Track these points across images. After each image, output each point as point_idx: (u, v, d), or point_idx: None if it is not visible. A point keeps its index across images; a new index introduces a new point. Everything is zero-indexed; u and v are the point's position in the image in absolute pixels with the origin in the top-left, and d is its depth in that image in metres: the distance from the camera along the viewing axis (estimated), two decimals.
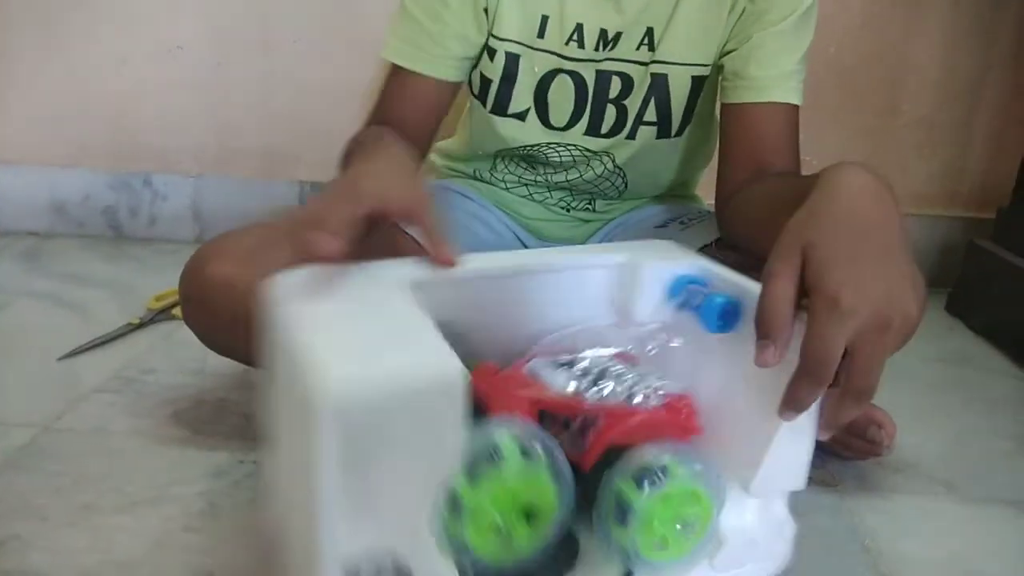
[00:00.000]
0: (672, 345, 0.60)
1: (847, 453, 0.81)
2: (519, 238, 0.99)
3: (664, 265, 0.61)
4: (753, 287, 0.54)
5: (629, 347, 0.60)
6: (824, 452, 0.83)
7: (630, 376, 0.56)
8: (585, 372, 0.56)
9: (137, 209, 1.47)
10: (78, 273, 1.28)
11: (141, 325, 1.07)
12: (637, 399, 0.55)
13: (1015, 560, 0.69)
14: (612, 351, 0.59)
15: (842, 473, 0.80)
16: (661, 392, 0.55)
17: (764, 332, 0.50)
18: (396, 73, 0.85)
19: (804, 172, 0.74)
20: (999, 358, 1.12)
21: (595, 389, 0.55)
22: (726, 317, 0.56)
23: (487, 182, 0.99)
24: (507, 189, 0.98)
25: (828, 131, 1.36)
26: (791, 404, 0.50)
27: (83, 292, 1.19)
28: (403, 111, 0.84)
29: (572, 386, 0.55)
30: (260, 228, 0.81)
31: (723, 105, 0.85)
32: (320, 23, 1.35)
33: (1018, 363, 1.10)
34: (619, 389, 0.55)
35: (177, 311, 1.09)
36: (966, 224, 1.36)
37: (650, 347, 0.60)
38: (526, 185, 0.97)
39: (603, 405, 0.54)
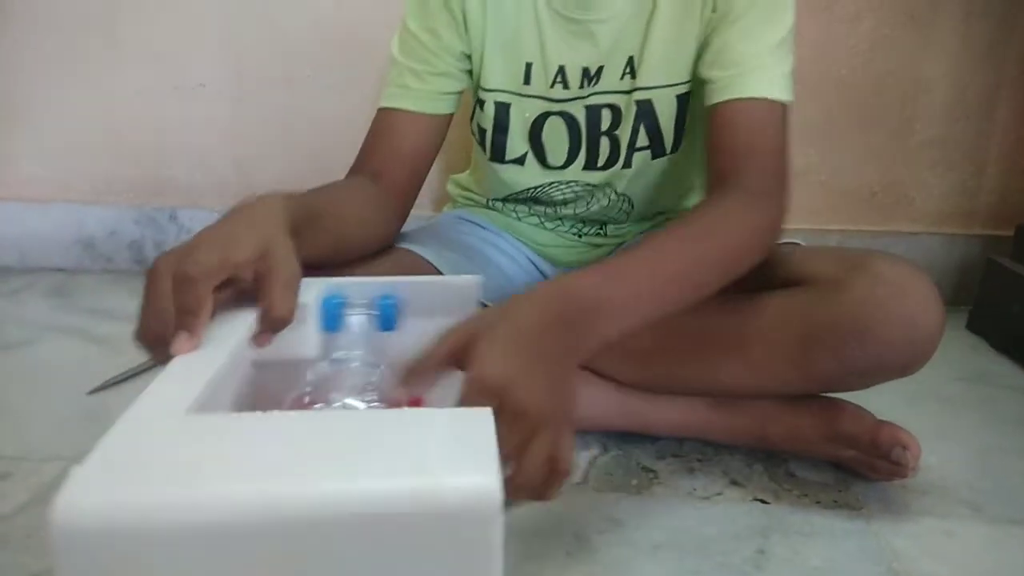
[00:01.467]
0: (381, 368, 0.57)
1: (872, 475, 0.81)
2: (533, 263, 1.00)
3: (307, 297, 0.58)
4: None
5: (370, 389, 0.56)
6: (849, 474, 0.83)
7: None
8: None
9: (163, 244, 1.50)
10: (106, 308, 1.30)
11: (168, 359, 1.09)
12: None
13: None
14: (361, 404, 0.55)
15: (867, 496, 0.80)
16: None
17: (403, 380, 0.52)
18: (380, 116, 0.86)
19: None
20: (1021, 376, 1.12)
21: None
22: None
23: (500, 212, 1.01)
24: (519, 219, 1.00)
25: (843, 152, 1.36)
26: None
27: (111, 327, 1.22)
28: (386, 150, 0.84)
29: None
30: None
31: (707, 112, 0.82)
32: (340, 59, 1.38)
33: None
34: None
35: None
36: (984, 242, 1.36)
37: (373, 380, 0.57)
38: (536, 215, 0.99)
39: None
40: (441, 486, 0.35)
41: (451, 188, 1.09)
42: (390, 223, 0.84)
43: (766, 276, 0.80)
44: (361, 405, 0.52)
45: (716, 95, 0.79)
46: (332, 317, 0.60)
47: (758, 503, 0.78)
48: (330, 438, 0.38)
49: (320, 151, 1.40)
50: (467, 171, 1.07)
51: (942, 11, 1.29)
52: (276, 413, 0.41)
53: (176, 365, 0.47)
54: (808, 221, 1.37)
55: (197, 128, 1.44)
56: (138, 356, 1.08)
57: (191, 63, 1.41)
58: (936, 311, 0.72)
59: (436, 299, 0.61)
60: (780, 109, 0.78)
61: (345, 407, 0.52)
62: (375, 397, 0.53)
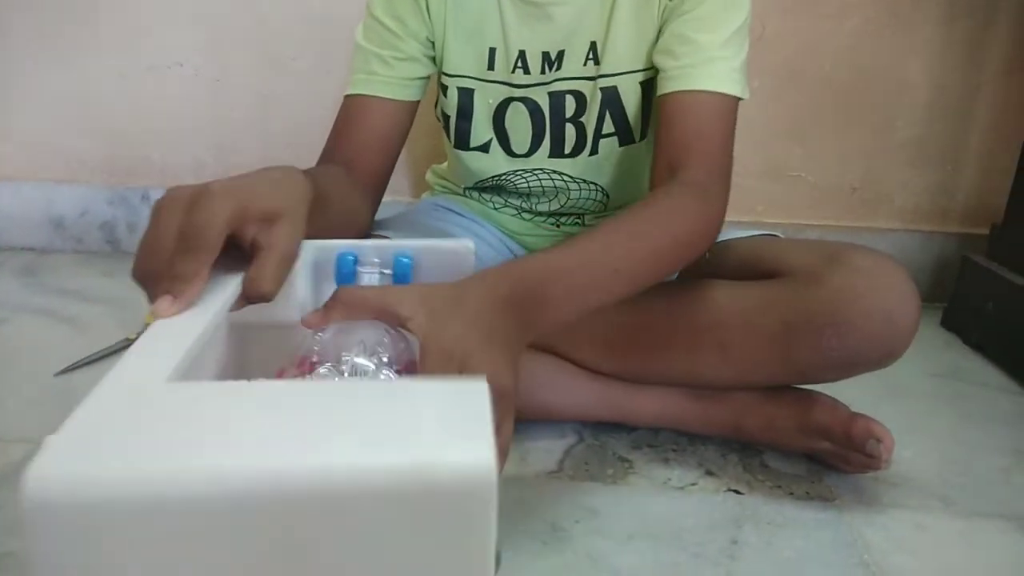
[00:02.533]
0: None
1: (845, 467, 0.82)
2: (511, 251, 1.00)
3: (315, 253, 0.57)
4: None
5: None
6: (822, 466, 0.83)
7: None
8: None
9: (135, 225, 1.47)
10: (76, 288, 1.28)
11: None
12: None
13: (1013, 574, 0.69)
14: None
15: (840, 488, 0.80)
16: None
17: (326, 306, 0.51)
18: (347, 103, 0.85)
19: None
20: (995, 373, 1.13)
21: None
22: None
23: (477, 200, 1.00)
24: (496, 209, 0.99)
25: (824, 149, 1.37)
26: None
27: (80, 307, 1.19)
28: (355, 138, 0.83)
29: None
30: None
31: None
32: (319, 40, 1.36)
33: (1014, 378, 1.10)
34: None
35: None
36: (960, 240, 1.37)
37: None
38: (511, 207, 0.98)
39: None
40: (436, 461, 0.34)
41: (430, 177, 1.09)
42: (366, 212, 0.83)
43: (745, 268, 0.80)
44: (370, 365, 0.51)
45: (667, 84, 0.78)
46: (346, 274, 0.58)
47: (732, 493, 0.78)
48: (319, 409, 0.37)
49: (298, 134, 1.39)
50: (445, 163, 1.06)
51: (925, 11, 1.29)
52: (261, 382, 0.39)
53: (155, 330, 0.44)
54: (788, 216, 1.38)
55: (173, 109, 1.42)
56: (108, 338, 1.06)
57: (168, 43, 1.39)
58: (913, 304, 0.72)
59: (432, 263, 0.59)
60: (730, 103, 0.77)
61: (355, 367, 0.50)
62: (385, 356, 0.52)
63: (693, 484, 0.80)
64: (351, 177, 0.80)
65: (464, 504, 0.34)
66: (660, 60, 0.80)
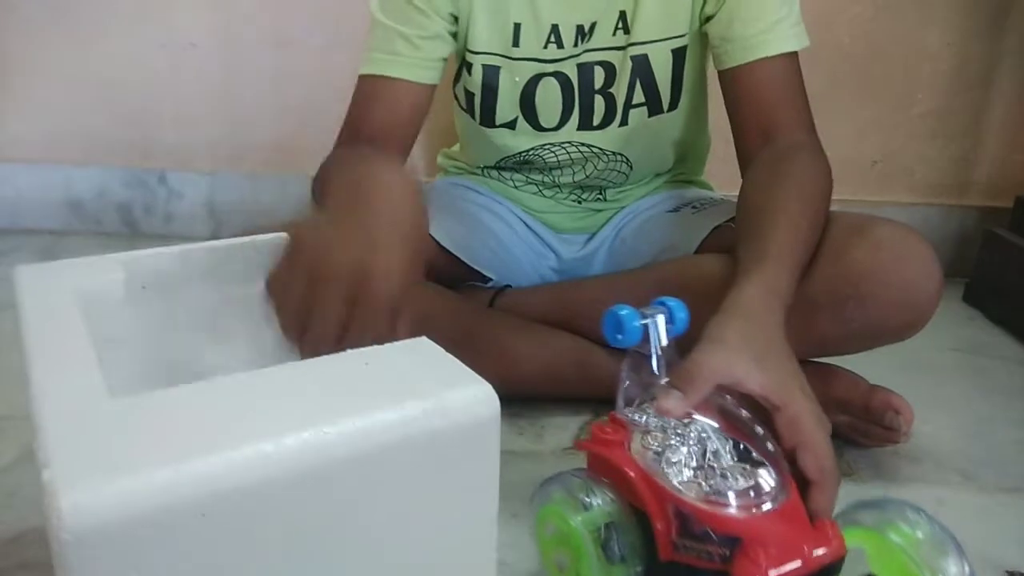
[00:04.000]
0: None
1: (864, 441, 0.81)
2: (531, 229, 0.99)
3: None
4: None
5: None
6: (841, 440, 0.83)
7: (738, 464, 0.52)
8: (700, 457, 0.52)
9: (152, 206, 1.48)
10: None
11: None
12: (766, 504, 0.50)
13: None
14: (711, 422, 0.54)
15: (859, 462, 0.80)
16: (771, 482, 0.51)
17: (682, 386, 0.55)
18: (370, 83, 0.82)
19: (820, 163, 0.74)
20: (1017, 347, 1.11)
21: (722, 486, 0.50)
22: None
23: (495, 180, 0.99)
24: (516, 187, 0.98)
25: (843, 122, 1.35)
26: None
27: None
28: (381, 120, 0.82)
29: (692, 479, 0.51)
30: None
31: (720, 73, 0.83)
32: (331, 17, 1.36)
33: None
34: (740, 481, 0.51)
35: None
36: (982, 213, 1.35)
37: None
38: (534, 184, 0.97)
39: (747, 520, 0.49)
40: (446, 402, 0.36)
41: (442, 160, 1.08)
42: None
43: None
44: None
45: (739, 55, 0.80)
46: (631, 329, 0.55)
47: None
48: (302, 387, 0.37)
49: (312, 112, 1.38)
50: (456, 146, 1.05)
51: None
52: (222, 378, 0.38)
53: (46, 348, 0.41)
54: None
55: (188, 89, 1.42)
56: None
57: (182, 22, 1.38)
58: (935, 276, 0.71)
59: (245, 261, 0.55)
60: (797, 57, 0.81)
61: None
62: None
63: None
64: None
65: (475, 436, 0.37)
66: (724, 29, 0.80)
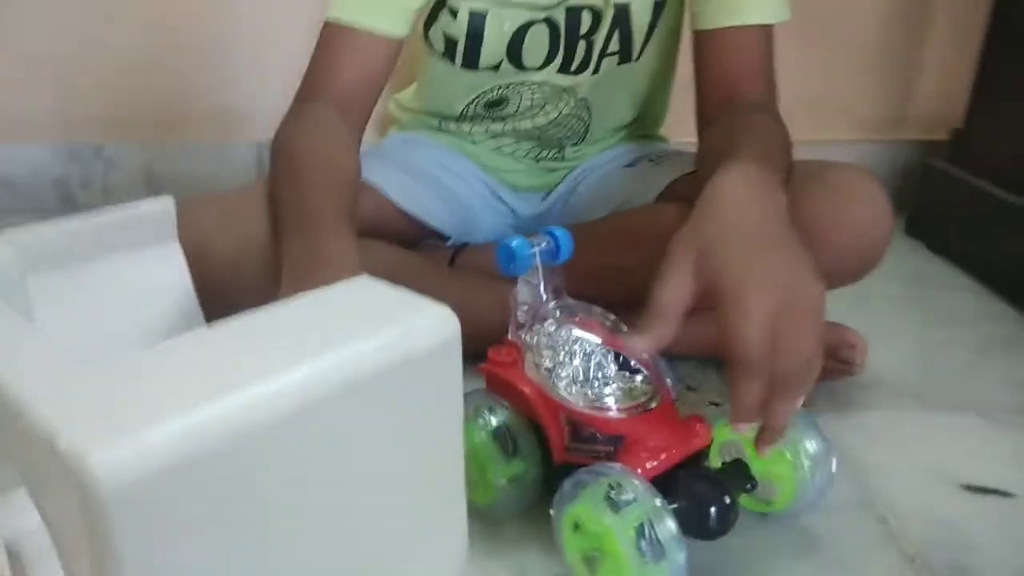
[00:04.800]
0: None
1: (822, 375, 0.83)
2: (488, 187, 0.98)
3: None
4: None
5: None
6: None
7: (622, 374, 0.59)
8: (586, 370, 0.58)
9: (89, 180, 1.43)
10: None
11: None
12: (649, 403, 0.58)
13: (983, 461, 0.72)
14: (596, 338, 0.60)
15: (816, 394, 0.82)
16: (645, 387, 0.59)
17: (643, 327, 0.54)
18: (338, 33, 0.78)
19: (780, 127, 0.75)
20: (958, 275, 1.16)
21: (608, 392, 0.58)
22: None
23: (453, 134, 0.98)
24: (474, 143, 0.97)
25: (785, 65, 1.35)
26: (738, 410, 0.52)
27: None
28: (346, 78, 0.78)
29: (579, 390, 0.58)
30: (227, 196, 0.79)
31: (694, 34, 0.83)
32: None
33: (977, 278, 1.13)
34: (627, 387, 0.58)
35: None
36: (920, 147, 1.39)
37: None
38: (494, 137, 0.96)
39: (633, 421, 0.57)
40: (414, 325, 0.38)
41: (394, 109, 1.05)
42: (357, 161, 0.79)
43: None
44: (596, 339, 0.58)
45: (717, 18, 0.80)
46: (524, 257, 0.59)
47: (713, 406, 0.80)
48: (275, 331, 0.38)
49: (253, 74, 1.35)
50: (410, 89, 1.03)
51: None
52: (188, 336, 0.38)
53: None
54: None
55: (119, 57, 1.36)
56: None
57: None
58: (887, 216, 0.74)
59: (131, 232, 0.57)
60: (773, 29, 0.82)
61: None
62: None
63: (675, 400, 0.81)
64: (345, 125, 0.77)
65: (443, 355, 0.39)
66: None
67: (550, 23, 0.84)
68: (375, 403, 0.37)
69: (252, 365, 0.34)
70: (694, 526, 0.53)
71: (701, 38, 0.82)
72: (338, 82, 0.78)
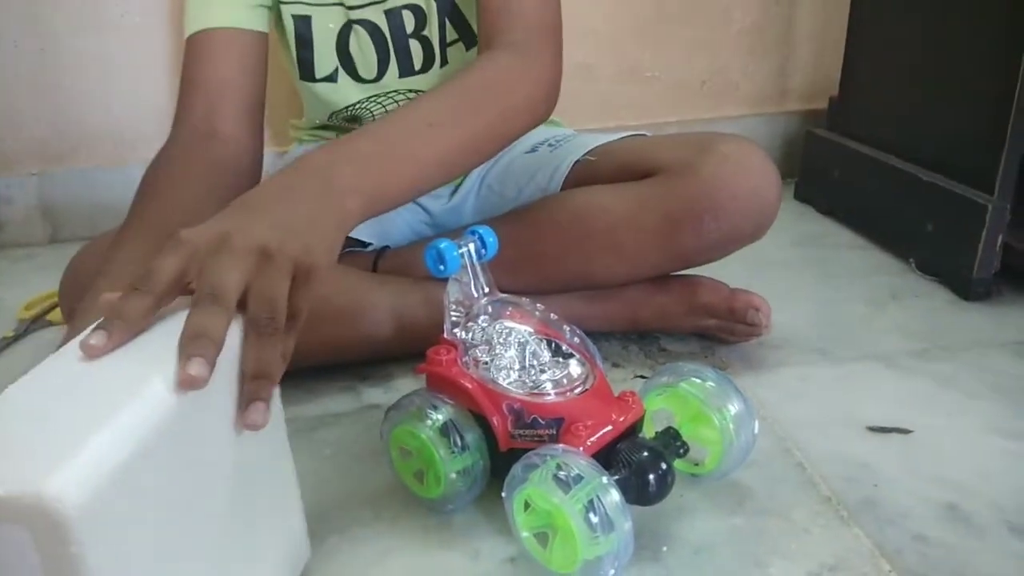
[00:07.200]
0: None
1: (732, 338, 0.89)
2: None
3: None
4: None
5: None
6: (712, 341, 0.91)
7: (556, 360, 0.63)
8: (522, 359, 0.62)
9: None
10: None
11: (17, 338, 1.02)
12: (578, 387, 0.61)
13: (885, 404, 0.79)
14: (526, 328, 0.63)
15: (730, 357, 0.88)
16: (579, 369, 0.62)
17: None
18: (193, 44, 0.80)
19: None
20: (845, 233, 1.24)
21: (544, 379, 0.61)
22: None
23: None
24: None
25: (671, 47, 1.42)
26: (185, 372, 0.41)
27: None
28: (211, 79, 0.79)
29: (518, 379, 0.61)
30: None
31: None
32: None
33: (862, 235, 1.22)
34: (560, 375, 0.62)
35: (54, 315, 1.04)
36: (803, 117, 1.48)
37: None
38: None
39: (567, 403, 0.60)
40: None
41: (292, 132, 1.06)
42: (251, 176, 0.80)
43: (625, 170, 0.84)
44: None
45: None
46: (451, 259, 0.61)
47: (640, 379, 0.84)
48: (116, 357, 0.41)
49: (142, 94, 1.31)
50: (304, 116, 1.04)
51: None
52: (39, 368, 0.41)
53: None
54: (648, 116, 1.44)
55: (4, 85, 1.31)
56: None
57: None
58: (775, 180, 0.80)
59: None
60: None
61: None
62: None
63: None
64: (217, 146, 0.77)
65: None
66: None
67: (368, 26, 0.86)
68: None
69: (130, 376, 0.39)
70: (635, 494, 0.56)
71: None
72: (202, 91, 0.79)
